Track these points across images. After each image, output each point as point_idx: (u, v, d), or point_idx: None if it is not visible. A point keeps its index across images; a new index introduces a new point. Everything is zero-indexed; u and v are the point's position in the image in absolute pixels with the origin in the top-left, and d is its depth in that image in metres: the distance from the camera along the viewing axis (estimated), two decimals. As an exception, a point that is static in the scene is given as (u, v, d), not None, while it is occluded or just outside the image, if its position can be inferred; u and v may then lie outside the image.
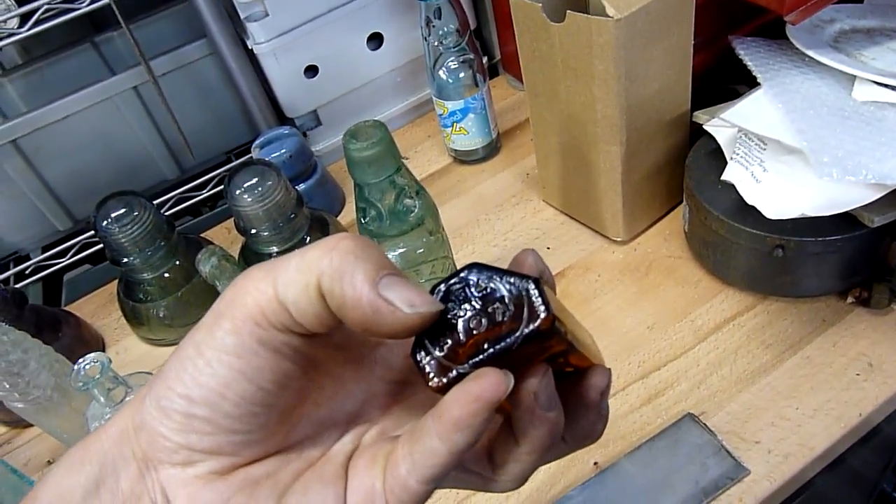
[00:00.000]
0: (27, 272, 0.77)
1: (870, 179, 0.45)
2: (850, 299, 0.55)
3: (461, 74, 0.71)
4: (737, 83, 0.63)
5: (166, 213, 0.78)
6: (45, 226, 0.78)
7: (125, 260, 0.64)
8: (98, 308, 0.75)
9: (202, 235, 0.76)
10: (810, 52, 0.55)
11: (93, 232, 0.77)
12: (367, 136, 0.47)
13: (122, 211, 0.62)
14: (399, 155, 0.49)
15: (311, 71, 0.76)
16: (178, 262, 0.67)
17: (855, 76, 0.53)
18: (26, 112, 0.71)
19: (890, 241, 0.53)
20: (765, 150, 0.52)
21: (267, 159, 0.66)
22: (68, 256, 0.77)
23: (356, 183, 0.50)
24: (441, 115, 0.74)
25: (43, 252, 0.78)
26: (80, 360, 0.48)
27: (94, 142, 0.75)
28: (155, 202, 0.78)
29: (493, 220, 0.71)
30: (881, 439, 0.65)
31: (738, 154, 0.53)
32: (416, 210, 0.51)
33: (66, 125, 0.73)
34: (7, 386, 0.51)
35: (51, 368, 0.54)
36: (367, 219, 0.51)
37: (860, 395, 0.50)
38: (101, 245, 0.78)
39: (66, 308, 0.75)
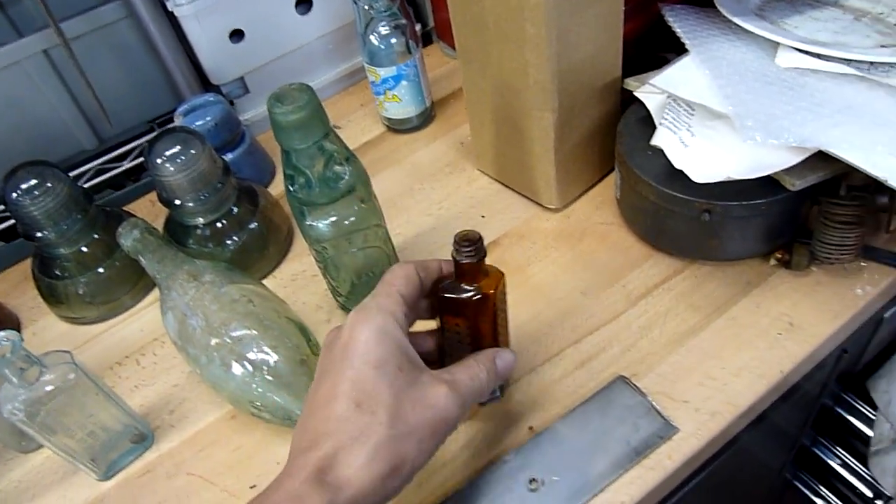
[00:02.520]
0: (-69, 249, 0.72)
1: (791, 142, 0.46)
2: (772, 261, 0.57)
3: (393, 40, 0.70)
4: (666, 51, 0.63)
5: (86, 186, 0.74)
6: (-51, 200, 0.73)
7: (39, 234, 0.60)
8: (11, 287, 0.71)
9: (125, 209, 0.72)
10: (736, 20, 0.56)
11: (2, 206, 0.73)
12: (293, 100, 0.46)
13: (34, 182, 0.59)
14: (327, 119, 0.48)
15: (237, 35, 0.73)
16: (96, 237, 0.64)
17: (778, 43, 0.54)
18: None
19: (810, 204, 0.55)
20: (692, 115, 0.53)
21: (190, 127, 0.63)
22: (-23, 232, 0.73)
23: (283, 149, 0.48)
24: (373, 82, 0.73)
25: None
26: (-11, 338, 0.45)
27: (4, 109, 0.70)
28: (72, 174, 0.74)
29: (427, 189, 0.70)
30: (800, 396, 0.68)
31: (666, 119, 0.53)
32: (346, 177, 0.50)
33: (-30, 91, 0.68)
34: None
35: (-42, 349, 0.50)
36: (296, 186, 0.50)
37: (782, 354, 0.52)
38: (10, 222, 0.73)
39: (-23, 287, 0.71)
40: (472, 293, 0.43)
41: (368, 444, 0.36)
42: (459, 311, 0.44)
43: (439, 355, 0.47)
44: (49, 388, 0.48)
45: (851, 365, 0.72)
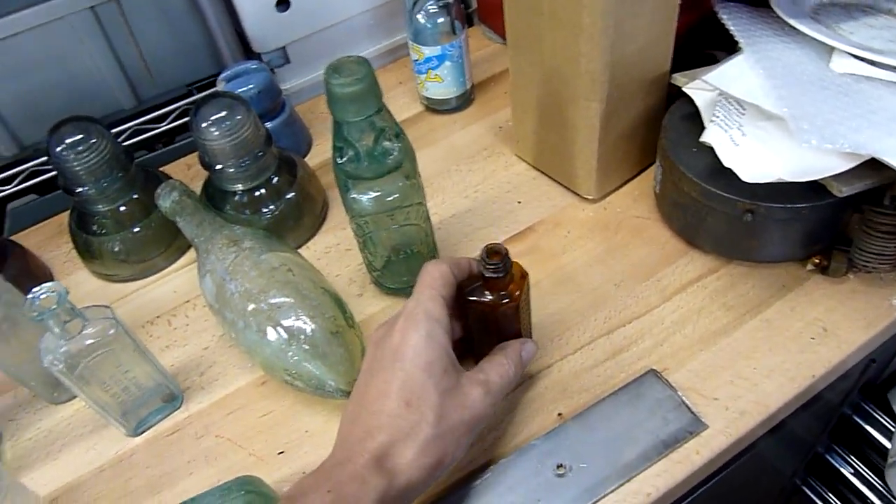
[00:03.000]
0: (-32, 198, 0.73)
1: (846, 148, 0.46)
2: (809, 266, 0.57)
3: (440, 20, 0.69)
4: (714, 48, 0.63)
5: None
6: (-12, 150, 0.74)
7: (79, 190, 0.61)
8: (46, 240, 0.72)
9: (161, 171, 0.72)
10: (792, 22, 0.55)
11: (42, 159, 0.73)
12: (351, 72, 0.46)
13: (79, 137, 0.59)
14: (381, 95, 0.48)
15: (283, 4, 0.73)
16: (135, 196, 0.64)
17: (833, 48, 0.53)
18: (-30, 26, 0.66)
19: (852, 212, 0.55)
20: (743, 114, 0.52)
21: (236, 92, 0.63)
22: (14, 184, 0.73)
23: (335, 121, 0.48)
24: (416, 60, 0.72)
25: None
26: (35, 289, 0.46)
27: (46, 64, 0.71)
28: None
29: (463, 171, 0.70)
30: (823, 404, 0.68)
31: (717, 117, 0.53)
32: (394, 153, 0.50)
33: (16, 43, 0.68)
34: (-48, 313, 0.49)
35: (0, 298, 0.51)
36: (344, 159, 0.50)
37: (814, 358, 0.52)
38: (50, 174, 0.74)
39: (11, 238, 0.71)
40: (496, 299, 0.46)
41: (418, 440, 0.40)
42: (485, 313, 0.47)
43: (467, 341, 0.50)
44: (89, 341, 0.48)
45: (876, 375, 0.72)
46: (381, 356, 0.43)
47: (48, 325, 0.46)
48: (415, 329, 0.43)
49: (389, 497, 0.39)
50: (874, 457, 0.80)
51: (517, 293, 0.46)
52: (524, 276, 0.47)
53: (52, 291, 0.46)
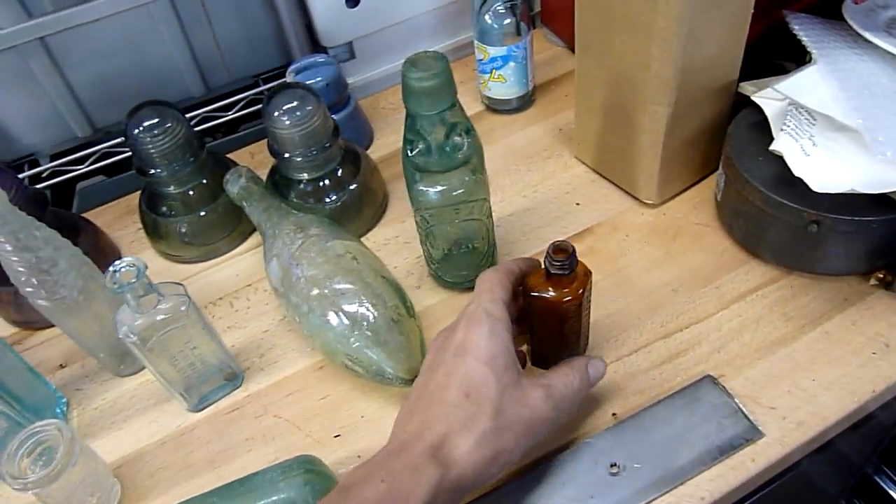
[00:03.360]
0: (43, 175, 0.75)
1: (922, 162, 0.45)
2: (872, 281, 0.56)
3: (506, 21, 0.70)
4: (782, 59, 0.63)
5: (192, 131, 0.76)
6: (63, 130, 0.77)
7: (152, 171, 0.63)
8: (114, 219, 0.74)
9: (228, 157, 0.75)
10: (866, 34, 0.55)
11: (113, 142, 0.76)
12: (428, 67, 0.47)
13: (156, 121, 0.61)
14: (455, 91, 0.49)
15: (353, 0, 0.74)
16: (204, 181, 0.66)
17: (908, 62, 0.53)
18: (54, 11, 0.69)
19: (919, 228, 0.54)
20: (814, 125, 0.52)
21: (307, 84, 0.64)
22: (86, 164, 0.76)
23: (408, 113, 0.49)
24: (481, 59, 0.73)
25: (52, 160, 0.77)
26: (117, 262, 0.48)
27: (124, 49, 0.73)
28: (182, 117, 0.76)
29: (523, 171, 0.71)
30: (874, 424, 0.67)
31: (788, 126, 0.53)
32: (464, 148, 0.51)
33: (97, 29, 0.71)
34: (35, 282, 0.51)
35: (79, 270, 0.53)
36: (415, 152, 0.51)
37: (875, 373, 0.51)
38: (120, 157, 0.76)
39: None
40: (559, 296, 0.46)
41: (475, 431, 0.40)
42: (548, 311, 0.47)
43: (528, 348, 0.51)
44: (162, 316, 0.50)
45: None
46: (442, 354, 0.44)
47: (126, 299, 0.48)
48: (477, 326, 0.43)
49: (444, 488, 0.39)
50: (925, 480, 0.78)
51: (581, 291, 0.46)
52: (588, 274, 0.47)
53: (132, 266, 0.48)
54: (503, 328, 0.44)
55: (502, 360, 0.43)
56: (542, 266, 0.47)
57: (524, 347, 0.52)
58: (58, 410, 0.57)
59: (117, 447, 0.55)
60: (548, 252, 0.45)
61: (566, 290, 0.46)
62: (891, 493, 0.81)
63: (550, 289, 0.46)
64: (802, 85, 0.53)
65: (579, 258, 0.47)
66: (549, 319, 0.48)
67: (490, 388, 0.41)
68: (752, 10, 0.56)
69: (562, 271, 0.45)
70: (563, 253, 0.45)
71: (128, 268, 0.48)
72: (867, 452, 0.76)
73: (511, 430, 0.42)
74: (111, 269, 0.48)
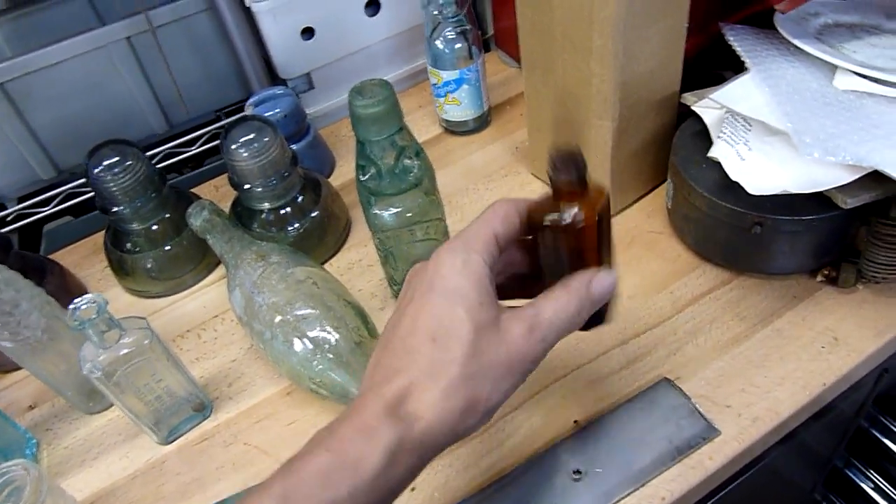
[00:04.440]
0: (8, 219, 0.76)
1: (848, 160, 0.47)
2: (819, 278, 0.58)
3: (457, 45, 0.72)
4: (723, 69, 0.65)
5: (155, 168, 0.78)
6: (27, 173, 0.77)
7: (115, 209, 0.64)
8: (81, 259, 0.75)
9: (192, 192, 0.76)
10: (796, 42, 0.57)
11: (77, 182, 0.77)
12: (373, 94, 0.49)
13: (116, 159, 0.62)
14: (402, 115, 0.51)
15: (308, 33, 0.76)
16: (167, 215, 0.67)
17: (837, 66, 0.55)
18: (13, 56, 0.70)
19: (859, 224, 0.56)
20: (750, 130, 0.54)
21: (264, 115, 0.66)
22: (51, 206, 0.77)
23: (358, 140, 0.51)
24: (435, 84, 0.75)
25: (20, 202, 0.77)
26: (77, 299, 0.49)
27: (84, 91, 0.75)
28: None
29: (481, 190, 0.73)
30: (836, 416, 0.69)
31: (724, 133, 0.55)
32: (415, 171, 0.53)
33: (57, 72, 0.72)
34: (-2, 324, 0.51)
35: (41, 310, 0.54)
36: (367, 176, 0.53)
37: (825, 367, 0.53)
38: (84, 197, 0.77)
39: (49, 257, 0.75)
40: (573, 219, 0.37)
41: (441, 380, 0.35)
42: (556, 236, 0.38)
43: (538, 278, 0.41)
44: (126, 350, 0.51)
45: (891, 387, 0.73)
46: (411, 292, 0.38)
47: (88, 335, 0.49)
48: (450, 256, 0.37)
49: (404, 449, 0.34)
50: (893, 470, 0.80)
51: (596, 210, 0.37)
52: (604, 192, 0.38)
53: (93, 302, 0.48)
54: (480, 259, 0.37)
55: (475, 296, 0.36)
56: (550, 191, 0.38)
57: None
58: (28, 451, 0.58)
59: (89, 484, 0.56)
60: (550, 163, 0.36)
61: (578, 208, 0.37)
62: (862, 485, 0.83)
63: (560, 210, 0.37)
64: (737, 93, 0.56)
65: None
66: (559, 252, 0.39)
67: (460, 329, 0.35)
68: (689, 24, 0.59)
69: (569, 177, 0.36)
70: (567, 156, 0.36)
71: (88, 304, 0.49)
72: (833, 444, 0.77)
73: (488, 375, 0.36)
74: (71, 306, 0.48)
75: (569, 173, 0.36)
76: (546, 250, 0.39)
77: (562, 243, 0.38)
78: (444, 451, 0.36)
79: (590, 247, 0.38)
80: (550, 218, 0.37)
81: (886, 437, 0.77)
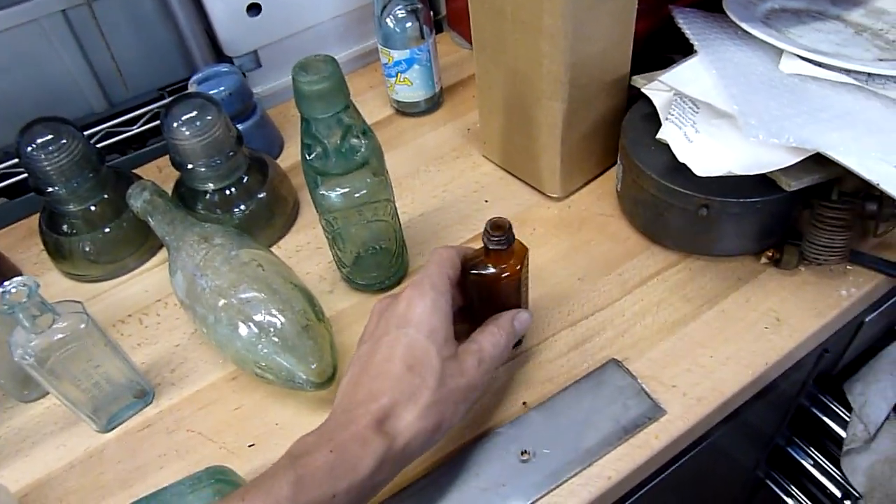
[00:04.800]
0: (-64, 200, 0.72)
1: (791, 143, 0.48)
2: (763, 260, 0.59)
3: (408, 24, 0.71)
4: (673, 52, 0.66)
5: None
6: (-43, 153, 0.74)
7: (50, 190, 0.61)
8: (16, 241, 0.72)
9: (134, 172, 0.73)
10: (744, 25, 0.58)
11: (10, 163, 0.73)
12: (318, 70, 0.47)
13: (49, 137, 0.60)
14: (348, 92, 0.49)
15: (255, 9, 0.74)
16: (106, 196, 0.65)
17: (783, 50, 0.56)
18: (-60, 28, 0.66)
19: (801, 207, 0.57)
20: (697, 112, 0.55)
21: (208, 94, 0.64)
22: (-17, 186, 0.73)
23: (303, 118, 0.50)
24: (386, 63, 0.74)
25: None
26: (6, 283, 0.46)
27: (16, 66, 0.71)
28: (82, 134, 0.74)
29: (432, 171, 0.72)
30: (778, 395, 0.70)
31: (672, 115, 0.55)
32: (362, 150, 0.52)
33: (-13, 46, 0.68)
34: (-78, 309, 0.49)
35: (-30, 294, 0.51)
36: (313, 156, 0.51)
37: (767, 346, 0.54)
38: (19, 177, 0.74)
39: (-19, 240, 0.71)
40: (498, 272, 0.48)
41: (419, 404, 0.42)
42: (486, 285, 0.49)
43: (466, 315, 0.52)
44: (60, 335, 0.49)
45: (830, 366, 0.75)
46: (385, 323, 0.45)
47: (18, 319, 0.47)
48: (421, 298, 0.45)
49: (389, 457, 0.41)
50: (832, 447, 0.82)
51: (518, 267, 0.48)
52: (525, 250, 0.49)
53: (23, 285, 0.46)
54: (445, 302, 0.46)
55: (443, 334, 0.45)
56: (482, 244, 0.48)
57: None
58: (-43, 442, 0.55)
59: (23, 475, 0.54)
60: (486, 229, 0.47)
61: (504, 265, 0.48)
62: (803, 462, 0.85)
63: (489, 265, 0.48)
64: (684, 75, 0.56)
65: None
66: (489, 296, 0.50)
67: (432, 361, 0.43)
68: (639, 6, 0.59)
69: (499, 246, 0.47)
70: (499, 229, 0.47)
71: (18, 287, 0.46)
72: (776, 423, 0.79)
73: (451, 400, 0.44)
74: (0, 289, 0.46)
75: (499, 243, 0.47)
76: (478, 293, 0.50)
77: (491, 290, 0.50)
78: (412, 461, 0.43)
79: (512, 291, 0.50)
80: (482, 272, 0.48)
81: (826, 416, 0.79)
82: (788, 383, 0.69)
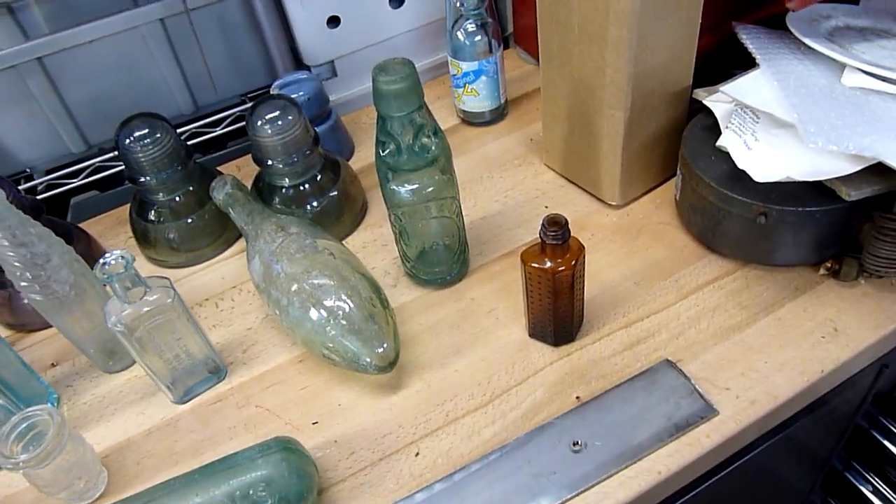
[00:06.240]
0: (38, 189, 0.79)
1: (851, 150, 0.49)
2: (822, 271, 0.59)
3: (477, 38, 0.75)
4: (734, 68, 0.67)
5: (181, 145, 0.80)
6: (58, 146, 0.80)
7: (142, 179, 0.67)
8: (106, 229, 0.78)
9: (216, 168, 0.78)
10: (807, 41, 0.59)
11: (105, 157, 0.79)
12: (396, 71, 0.51)
13: (146, 131, 0.65)
14: (422, 93, 0.53)
15: (334, 22, 0.79)
16: (191, 188, 0.70)
17: (845, 65, 0.57)
18: (50, 33, 0.73)
19: (862, 220, 0.57)
20: (758, 122, 0.56)
21: (290, 96, 0.68)
22: (80, 178, 0.79)
23: (379, 116, 0.53)
24: (454, 74, 0.78)
25: (48, 174, 0.80)
26: (107, 253, 0.51)
27: (117, 69, 0.77)
28: (171, 132, 0.80)
29: (495, 178, 0.75)
30: (833, 413, 0.69)
31: (733, 124, 0.57)
32: (432, 149, 0.55)
33: (92, 50, 0.75)
34: (29, 277, 0.54)
35: (71, 266, 0.56)
36: (386, 152, 0.55)
37: (823, 354, 0.54)
38: (111, 171, 0.80)
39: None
40: (555, 266, 0.51)
41: None
42: (542, 282, 0.52)
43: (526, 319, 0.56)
44: (148, 308, 0.53)
45: (891, 386, 0.74)
46: None
47: (114, 289, 0.51)
48: None
49: None
50: (893, 473, 0.80)
51: (573, 262, 0.51)
52: (581, 248, 0.52)
53: (122, 257, 0.51)
54: None
55: None
56: (539, 239, 0.51)
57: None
58: (49, 404, 0.60)
59: (105, 438, 0.58)
60: (543, 224, 0.50)
61: (560, 260, 0.51)
62: (861, 488, 0.83)
63: (546, 259, 0.51)
64: (746, 86, 0.57)
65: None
66: (543, 291, 0.53)
67: None
68: (702, 23, 0.61)
69: (555, 241, 0.50)
70: (556, 224, 0.50)
71: (117, 259, 0.51)
72: (831, 445, 0.78)
73: None
74: (101, 260, 0.51)
75: (556, 238, 0.49)
76: (533, 285, 0.53)
77: (545, 283, 0.52)
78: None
79: (566, 286, 0.52)
80: (539, 265, 0.51)
81: (886, 439, 0.78)
82: (844, 401, 0.68)
